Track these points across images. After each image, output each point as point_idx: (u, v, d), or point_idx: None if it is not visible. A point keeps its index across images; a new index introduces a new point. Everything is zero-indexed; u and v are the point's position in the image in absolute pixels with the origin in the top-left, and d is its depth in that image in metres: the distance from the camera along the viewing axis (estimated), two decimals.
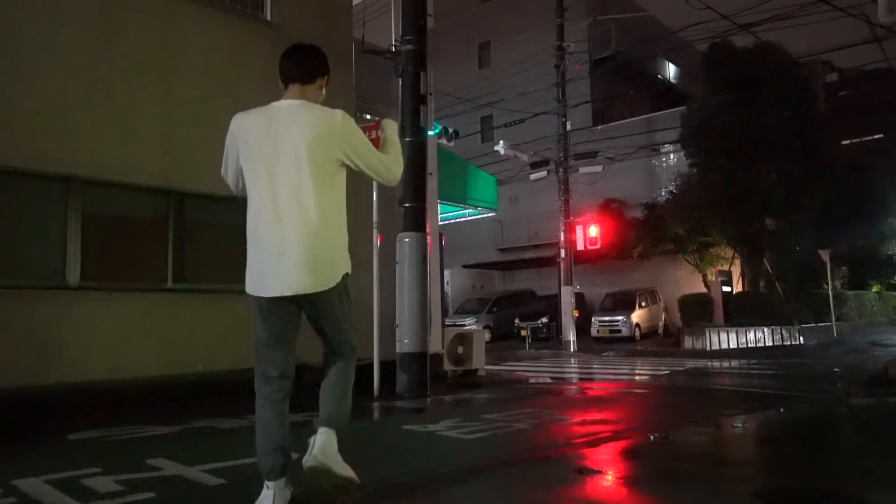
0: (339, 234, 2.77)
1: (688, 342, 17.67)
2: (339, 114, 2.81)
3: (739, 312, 18.10)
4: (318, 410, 2.80)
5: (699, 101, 20.11)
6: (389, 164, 2.94)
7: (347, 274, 2.78)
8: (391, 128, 3.18)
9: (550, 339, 19.60)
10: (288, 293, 2.68)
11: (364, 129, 7.50)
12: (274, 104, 2.80)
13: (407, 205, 7.38)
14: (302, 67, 2.85)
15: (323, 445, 2.63)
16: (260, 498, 2.66)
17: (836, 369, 11.06)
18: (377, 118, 8.30)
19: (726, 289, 18.73)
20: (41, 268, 6.16)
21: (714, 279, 19.81)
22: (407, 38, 7.60)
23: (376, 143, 3.15)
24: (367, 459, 4.14)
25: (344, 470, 2.66)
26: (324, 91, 2.93)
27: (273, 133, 2.71)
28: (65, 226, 6.24)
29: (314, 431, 2.72)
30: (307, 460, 2.61)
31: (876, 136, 18.48)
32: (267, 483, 2.67)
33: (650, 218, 21.79)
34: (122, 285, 6.54)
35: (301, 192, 2.64)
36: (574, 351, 18.08)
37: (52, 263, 6.17)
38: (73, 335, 6.10)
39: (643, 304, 22.07)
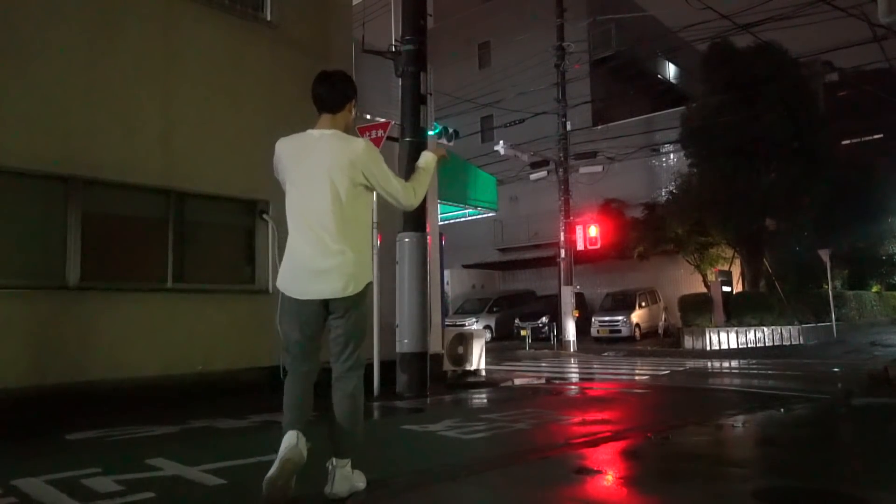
0: (362, 247, 3.12)
1: (688, 342, 17.68)
2: (362, 143, 3.16)
3: (739, 312, 18.10)
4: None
5: (699, 101, 20.12)
6: (406, 192, 3.23)
7: (370, 283, 3.13)
8: (425, 158, 3.46)
9: (550, 339, 19.60)
10: (315, 296, 3.00)
11: (364, 130, 7.55)
12: (310, 132, 3.16)
13: None
14: (330, 97, 3.18)
15: (338, 476, 3.05)
16: (283, 443, 2.91)
17: (835, 369, 11.06)
18: (378, 118, 8.31)
19: (726, 289, 18.73)
20: (41, 268, 6.16)
21: (714, 279, 19.81)
22: (407, 38, 7.61)
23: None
24: (367, 459, 4.14)
25: (357, 484, 3.15)
26: (353, 111, 3.28)
27: (306, 158, 3.08)
28: (65, 226, 6.24)
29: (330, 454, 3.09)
30: (329, 492, 3.03)
31: (876, 136, 18.45)
32: (288, 433, 2.94)
33: (650, 218, 21.79)
34: (121, 285, 6.54)
35: (328, 211, 3.00)
36: (574, 351, 18.09)
37: (52, 263, 6.17)
38: (73, 335, 6.10)
39: (643, 304, 22.07)
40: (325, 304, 3.01)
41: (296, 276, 3.02)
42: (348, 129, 3.19)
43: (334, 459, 3.05)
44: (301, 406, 3.02)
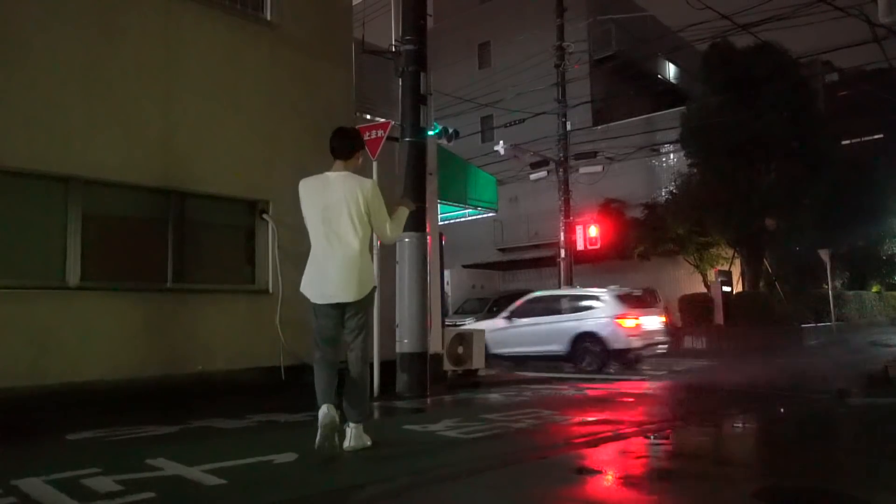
0: (368, 260, 4.15)
1: (688, 342, 17.67)
2: (369, 183, 4.19)
3: (739, 312, 18.08)
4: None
5: (699, 102, 20.09)
6: (390, 227, 4.26)
7: (375, 287, 4.21)
8: (403, 211, 4.49)
9: None
10: (336, 301, 4.03)
11: (364, 130, 7.55)
12: (327, 174, 4.19)
13: None
14: (342, 148, 4.26)
15: (353, 434, 4.13)
16: (320, 414, 3.89)
17: (835, 369, 11.06)
18: (378, 118, 8.31)
19: (726, 289, 18.70)
20: (41, 268, 6.16)
21: (714, 279, 19.79)
22: (407, 38, 7.60)
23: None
24: (367, 459, 4.15)
25: (366, 441, 4.18)
26: (360, 160, 4.35)
27: (329, 193, 4.10)
28: (65, 226, 6.24)
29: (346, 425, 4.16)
30: (346, 447, 4.07)
31: (876, 136, 18.41)
32: (322, 406, 3.92)
33: (650, 218, 21.77)
34: (122, 285, 6.54)
35: (345, 233, 4.03)
36: None
37: (52, 263, 6.17)
38: (72, 335, 6.10)
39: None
40: (343, 305, 4.03)
41: (322, 287, 4.03)
42: (357, 171, 4.25)
43: (350, 423, 4.10)
44: (331, 385, 4.02)
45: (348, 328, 4.11)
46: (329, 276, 4.01)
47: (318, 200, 4.08)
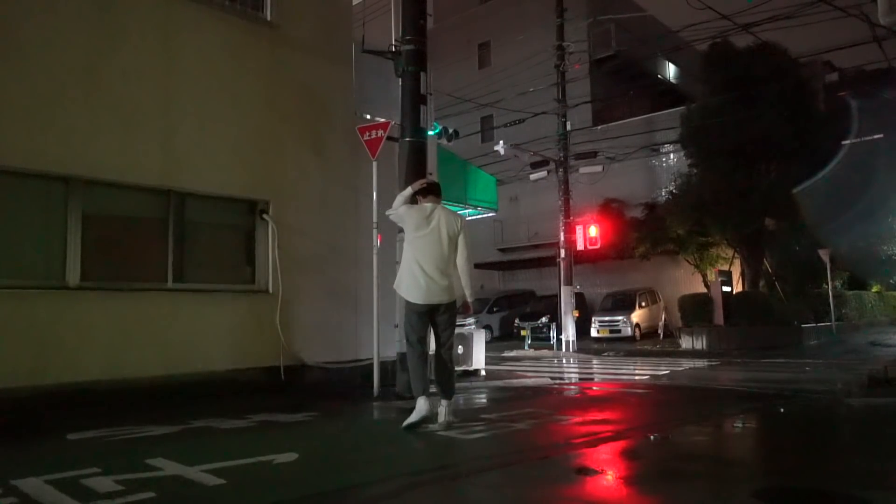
0: (454, 274, 5.18)
1: (688, 342, 17.67)
2: (462, 219, 5.33)
3: (739, 312, 18.08)
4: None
5: (699, 102, 20.08)
6: (468, 259, 5.24)
7: (462, 295, 5.22)
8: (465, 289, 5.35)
9: (550, 339, 19.59)
10: (431, 303, 5.08)
11: (364, 130, 7.55)
12: (426, 204, 5.26)
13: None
14: (439, 193, 5.46)
15: (447, 411, 5.07)
16: (417, 407, 4.95)
17: (835, 369, 11.06)
18: (378, 118, 8.31)
19: (726, 289, 18.69)
20: (41, 268, 6.16)
21: (714, 279, 19.79)
22: (407, 38, 7.59)
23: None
24: (367, 459, 4.15)
25: (454, 416, 5.15)
26: (441, 199, 5.43)
27: (430, 220, 5.18)
28: (65, 226, 6.24)
29: (437, 403, 5.11)
30: (442, 424, 5.00)
31: (876, 136, 18.38)
32: (419, 399, 4.96)
33: (650, 218, 21.77)
34: (121, 285, 6.54)
35: (444, 254, 5.12)
36: (574, 351, 18.08)
37: (52, 263, 6.18)
38: (72, 335, 6.10)
39: (643, 304, 22.06)
40: (434, 307, 5.09)
41: (422, 291, 5.04)
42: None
43: (443, 401, 5.05)
44: (425, 377, 5.07)
45: (442, 325, 5.21)
46: (431, 286, 5.13)
47: (421, 223, 5.23)
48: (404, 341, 5.39)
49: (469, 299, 5.32)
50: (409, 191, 5.34)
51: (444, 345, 5.16)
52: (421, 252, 5.08)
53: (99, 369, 6.20)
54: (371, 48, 8.79)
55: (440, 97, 15.80)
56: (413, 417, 4.86)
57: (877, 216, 21.20)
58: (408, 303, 5.13)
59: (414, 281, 5.05)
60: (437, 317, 5.12)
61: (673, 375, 10.84)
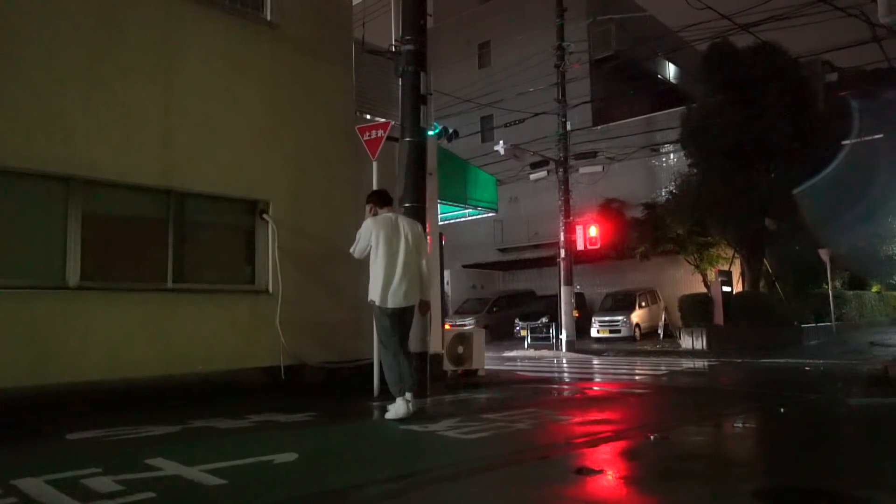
0: (421, 277, 5.76)
1: (688, 342, 17.68)
2: (420, 226, 5.99)
3: (739, 312, 18.08)
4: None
5: (699, 102, 20.09)
6: (429, 262, 5.99)
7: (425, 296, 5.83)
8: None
9: (550, 339, 19.60)
10: (404, 306, 5.60)
11: (364, 130, 7.55)
12: (388, 214, 5.85)
13: (407, 205, 7.37)
14: (391, 201, 6.05)
15: (413, 402, 5.51)
16: (395, 405, 5.45)
17: (835, 369, 11.06)
18: (378, 118, 8.31)
19: (726, 289, 18.71)
20: (41, 268, 6.15)
21: (714, 279, 19.80)
22: (407, 38, 7.59)
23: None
24: (367, 459, 4.15)
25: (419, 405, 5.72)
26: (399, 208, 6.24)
27: (396, 228, 5.72)
28: (65, 226, 6.24)
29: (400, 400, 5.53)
30: (410, 410, 5.45)
31: (876, 136, 18.39)
32: (398, 398, 5.47)
33: (650, 218, 21.78)
34: (121, 285, 6.54)
35: (412, 258, 5.66)
36: (574, 351, 18.09)
37: (52, 263, 6.17)
38: (72, 335, 6.10)
39: (643, 304, 22.07)
40: (404, 309, 5.59)
41: (399, 297, 5.53)
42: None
43: (407, 394, 5.47)
44: (402, 377, 5.53)
45: (404, 325, 5.75)
46: (399, 288, 5.65)
47: (391, 232, 5.76)
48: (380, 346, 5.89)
49: (427, 299, 5.86)
50: (364, 241, 5.73)
51: (405, 341, 5.70)
52: (397, 259, 5.55)
53: (99, 369, 6.19)
54: (371, 48, 8.79)
55: (440, 97, 15.79)
56: (391, 415, 5.38)
57: (877, 216, 21.20)
58: (382, 308, 5.55)
59: (390, 288, 5.52)
60: (405, 317, 5.63)
61: (673, 375, 10.84)
